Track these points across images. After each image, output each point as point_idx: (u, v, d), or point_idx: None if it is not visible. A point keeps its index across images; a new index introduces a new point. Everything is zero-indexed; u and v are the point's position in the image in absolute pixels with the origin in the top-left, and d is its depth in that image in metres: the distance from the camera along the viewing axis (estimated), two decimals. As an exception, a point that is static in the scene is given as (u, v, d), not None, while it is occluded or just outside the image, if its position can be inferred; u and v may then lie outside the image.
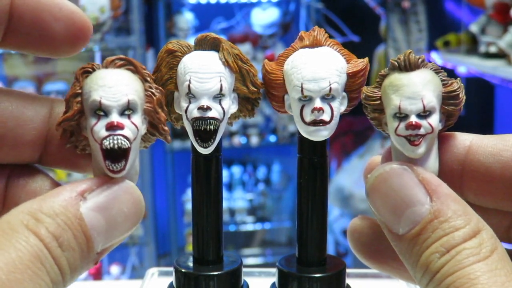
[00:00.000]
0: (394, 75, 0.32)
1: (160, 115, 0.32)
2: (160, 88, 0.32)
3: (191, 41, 0.36)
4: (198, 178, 0.37)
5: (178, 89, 0.35)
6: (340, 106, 0.34)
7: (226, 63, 0.34)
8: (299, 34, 0.36)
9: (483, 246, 0.28)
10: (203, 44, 0.35)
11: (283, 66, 0.35)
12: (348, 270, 0.38)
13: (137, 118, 0.30)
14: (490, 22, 1.72)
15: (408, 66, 0.32)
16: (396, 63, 0.32)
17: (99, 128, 0.30)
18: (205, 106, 0.34)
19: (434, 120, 0.32)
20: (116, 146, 0.29)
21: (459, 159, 0.34)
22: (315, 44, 0.35)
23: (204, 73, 0.34)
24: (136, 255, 2.13)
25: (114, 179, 0.30)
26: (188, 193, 2.32)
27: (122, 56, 0.31)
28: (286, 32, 2.38)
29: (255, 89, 0.36)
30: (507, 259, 0.28)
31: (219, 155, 0.37)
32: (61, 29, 0.31)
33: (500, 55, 1.67)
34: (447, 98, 0.33)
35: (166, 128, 0.32)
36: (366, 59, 0.35)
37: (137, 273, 2.11)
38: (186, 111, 0.34)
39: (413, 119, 0.31)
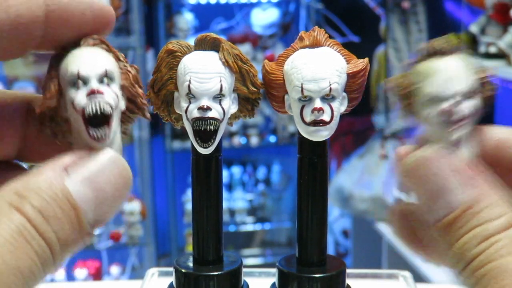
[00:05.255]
0: (429, 61, 0.32)
1: (137, 89, 0.32)
2: (135, 66, 0.32)
3: (191, 41, 0.36)
4: (198, 179, 0.37)
5: (178, 89, 0.35)
6: (340, 106, 0.34)
7: (226, 63, 0.34)
8: (299, 34, 0.36)
9: None
10: (203, 44, 0.35)
11: (283, 66, 0.35)
12: (348, 270, 0.38)
13: (116, 87, 0.30)
14: (490, 23, 1.72)
15: (444, 51, 0.32)
16: (432, 49, 0.32)
17: (80, 97, 0.29)
18: (205, 106, 0.34)
19: (473, 104, 0.32)
20: (98, 111, 0.29)
21: (489, 154, 0.33)
22: (315, 44, 0.35)
23: (204, 73, 0.34)
24: (136, 256, 2.13)
25: (97, 150, 0.30)
26: (188, 193, 2.32)
27: (94, 36, 0.31)
28: (286, 32, 2.38)
29: (255, 89, 0.36)
30: None
31: (219, 155, 0.37)
32: (90, 25, 0.31)
33: (500, 55, 1.66)
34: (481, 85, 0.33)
35: (144, 101, 0.32)
36: (366, 59, 0.35)
37: (137, 274, 2.11)
38: (186, 111, 0.34)
39: (458, 98, 0.31)
